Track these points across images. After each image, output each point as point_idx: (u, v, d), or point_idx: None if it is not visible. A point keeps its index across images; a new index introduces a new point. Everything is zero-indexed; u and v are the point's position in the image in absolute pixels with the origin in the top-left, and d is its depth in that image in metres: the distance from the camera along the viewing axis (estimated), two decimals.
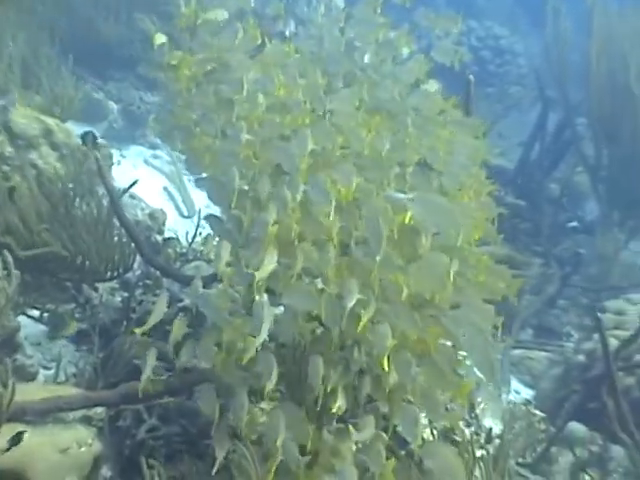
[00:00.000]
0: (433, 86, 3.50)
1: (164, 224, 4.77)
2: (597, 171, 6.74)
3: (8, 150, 3.49)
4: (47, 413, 2.63)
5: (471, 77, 3.69)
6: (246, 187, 2.74)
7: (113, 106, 6.84)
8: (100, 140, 5.43)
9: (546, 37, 8.52)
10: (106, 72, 7.03)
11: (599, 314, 4.36)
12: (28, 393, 2.68)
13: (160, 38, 3.28)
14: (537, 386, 4.54)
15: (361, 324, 2.31)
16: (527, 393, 4.55)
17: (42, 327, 3.64)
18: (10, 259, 2.76)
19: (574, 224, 6.62)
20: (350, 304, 2.30)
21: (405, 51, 3.42)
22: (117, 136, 6.62)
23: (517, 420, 3.45)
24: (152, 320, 2.52)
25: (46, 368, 3.45)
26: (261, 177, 2.62)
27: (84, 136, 4.26)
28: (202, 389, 2.53)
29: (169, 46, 3.16)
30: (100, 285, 3.83)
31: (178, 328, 2.56)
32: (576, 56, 7.85)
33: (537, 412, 3.49)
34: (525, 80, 10.11)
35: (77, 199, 3.63)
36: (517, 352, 4.86)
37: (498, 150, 6.81)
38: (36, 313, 3.65)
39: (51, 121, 3.67)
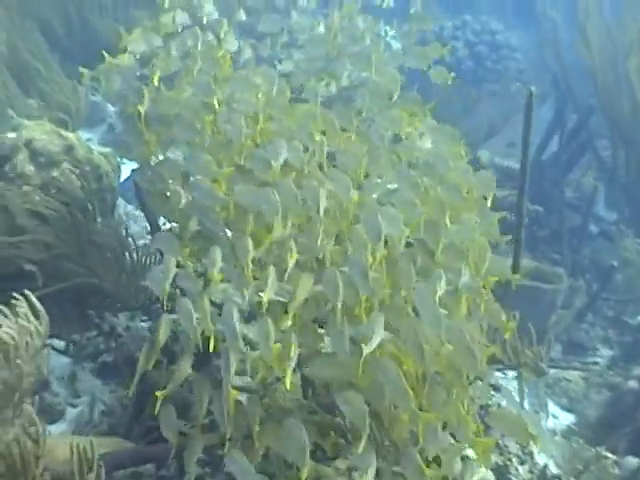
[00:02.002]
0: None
1: None
2: (614, 174, 6.57)
3: (29, 169, 3.20)
4: None
5: (533, 89, 3.46)
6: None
7: (111, 108, 6.51)
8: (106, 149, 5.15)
9: (541, 36, 8.37)
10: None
11: None
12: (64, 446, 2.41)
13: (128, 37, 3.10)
14: (576, 410, 4.32)
15: None
16: (566, 418, 4.33)
17: (66, 359, 3.38)
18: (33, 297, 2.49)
19: (593, 229, 6.42)
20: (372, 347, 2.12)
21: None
22: (116, 140, 6.29)
23: (583, 462, 3.23)
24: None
25: (72, 405, 3.19)
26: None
27: None
28: (162, 411, 2.28)
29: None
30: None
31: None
32: (571, 55, 7.64)
33: (608, 455, 3.25)
34: (524, 76, 9.90)
35: (100, 219, 3.38)
36: (550, 372, 4.63)
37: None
38: (59, 343, 3.39)
39: (72, 136, 3.39)
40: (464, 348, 2.22)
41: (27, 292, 2.49)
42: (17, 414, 2.17)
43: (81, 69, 3.02)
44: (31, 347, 2.26)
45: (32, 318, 2.33)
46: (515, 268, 3.40)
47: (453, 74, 3.28)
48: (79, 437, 2.59)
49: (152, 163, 2.82)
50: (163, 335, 2.38)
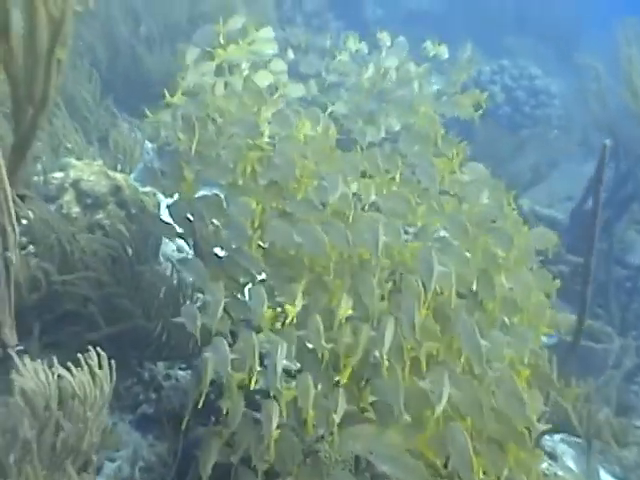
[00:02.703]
0: None
1: None
2: None
3: (75, 210, 3.11)
4: None
5: (607, 142, 3.33)
6: None
7: (148, 145, 6.43)
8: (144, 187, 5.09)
9: (581, 84, 8.27)
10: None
11: None
12: None
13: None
14: None
15: None
16: None
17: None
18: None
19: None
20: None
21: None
22: (155, 176, 6.20)
23: None
24: None
25: (110, 460, 3.04)
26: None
27: None
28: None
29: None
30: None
31: None
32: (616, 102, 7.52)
33: None
34: (562, 123, 9.75)
35: (145, 264, 3.26)
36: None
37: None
38: None
39: (119, 176, 3.29)
40: (513, 395, 2.11)
41: (98, 350, 2.36)
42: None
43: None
44: (97, 404, 2.10)
45: (100, 372, 2.17)
46: (580, 326, 3.26)
47: (480, 112, 3.22)
48: None
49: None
50: (208, 378, 2.38)
